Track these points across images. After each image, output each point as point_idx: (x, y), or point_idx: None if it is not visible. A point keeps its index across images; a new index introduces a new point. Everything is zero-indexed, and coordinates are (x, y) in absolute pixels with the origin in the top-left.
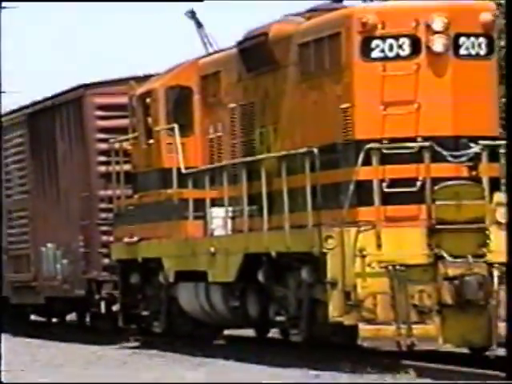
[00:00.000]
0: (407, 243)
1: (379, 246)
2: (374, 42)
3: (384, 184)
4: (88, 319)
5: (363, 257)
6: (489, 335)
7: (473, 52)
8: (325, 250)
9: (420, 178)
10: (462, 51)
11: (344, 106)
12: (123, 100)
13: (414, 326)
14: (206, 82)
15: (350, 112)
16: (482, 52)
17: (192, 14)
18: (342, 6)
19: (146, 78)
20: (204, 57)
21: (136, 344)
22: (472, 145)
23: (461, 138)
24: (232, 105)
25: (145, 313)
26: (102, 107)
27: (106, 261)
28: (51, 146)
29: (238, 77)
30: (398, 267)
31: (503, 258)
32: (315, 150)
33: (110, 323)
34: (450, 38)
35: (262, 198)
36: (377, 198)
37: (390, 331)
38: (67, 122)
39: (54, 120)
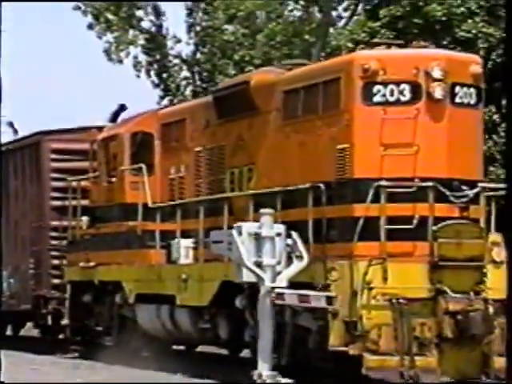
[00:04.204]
0: (410, 278)
1: (385, 279)
2: (376, 87)
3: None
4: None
5: (370, 289)
6: (481, 368)
7: (465, 101)
8: (328, 282)
9: (416, 217)
10: (457, 99)
11: (341, 146)
12: (74, 146)
13: (416, 358)
14: (168, 129)
15: (348, 152)
16: (472, 101)
17: (10, 124)
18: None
19: (98, 128)
20: (164, 108)
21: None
22: (463, 187)
23: (454, 180)
24: (198, 148)
25: (98, 328)
26: (56, 151)
27: (56, 281)
28: (3, 184)
29: (205, 123)
30: (401, 300)
31: (499, 295)
32: (322, 186)
33: (49, 336)
34: (448, 86)
35: None
36: (383, 234)
37: (393, 362)
38: (22, 163)
39: (8, 162)
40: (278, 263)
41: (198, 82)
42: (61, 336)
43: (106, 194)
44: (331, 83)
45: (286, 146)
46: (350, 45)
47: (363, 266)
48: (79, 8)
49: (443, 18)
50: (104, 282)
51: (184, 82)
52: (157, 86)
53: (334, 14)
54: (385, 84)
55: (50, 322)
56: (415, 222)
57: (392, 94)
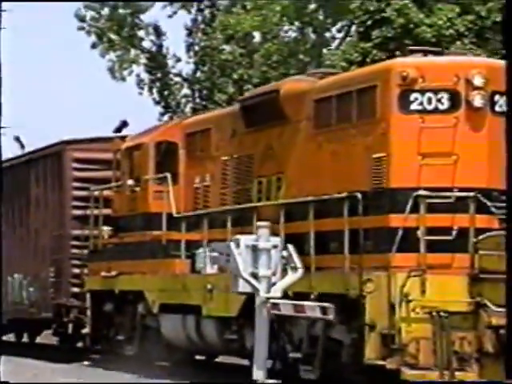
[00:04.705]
0: (450, 290)
1: (423, 291)
2: (413, 95)
3: (419, 232)
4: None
5: (408, 302)
6: None
7: (505, 110)
8: (364, 293)
9: (455, 228)
10: (497, 108)
11: (377, 155)
12: (97, 155)
13: (456, 373)
14: (193, 139)
15: (385, 161)
16: None
17: (17, 139)
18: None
19: (121, 138)
20: (188, 117)
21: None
22: (504, 198)
23: (494, 190)
24: (224, 157)
25: (119, 337)
26: (78, 160)
27: (76, 289)
28: (24, 193)
29: (232, 132)
30: (441, 313)
31: None
32: (359, 195)
33: (67, 345)
34: (488, 95)
35: None
36: (422, 246)
37: (433, 377)
38: (44, 172)
39: (29, 171)
40: (274, 274)
41: (198, 100)
42: (79, 344)
43: (129, 203)
44: (367, 91)
45: (318, 155)
46: (344, 64)
47: (402, 278)
48: (83, 28)
49: (433, 40)
50: (125, 291)
51: (184, 100)
52: (157, 102)
53: (327, 35)
54: (423, 92)
55: (70, 330)
56: (454, 233)
57: (430, 102)
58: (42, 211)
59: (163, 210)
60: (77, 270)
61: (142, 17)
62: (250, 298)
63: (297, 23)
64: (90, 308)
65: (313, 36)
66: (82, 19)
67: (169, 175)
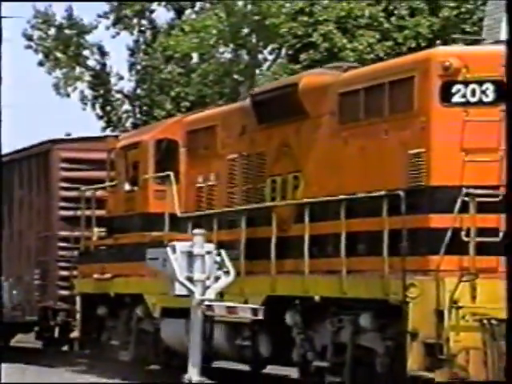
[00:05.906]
0: (500, 296)
1: (474, 297)
2: (456, 87)
3: (463, 233)
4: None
5: (458, 308)
6: None
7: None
8: (407, 299)
9: (502, 229)
10: None
11: (414, 151)
12: (86, 155)
13: None
14: (195, 136)
15: (424, 157)
16: None
17: None
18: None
19: (114, 137)
20: (189, 115)
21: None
22: None
23: None
24: (232, 156)
25: (113, 342)
26: (66, 160)
27: (63, 292)
28: (7, 194)
29: (240, 130)
30: (492, 321)
31: None
32: (401, 193)
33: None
34: None
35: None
36: (472, 248)
37: None
38: (28, 172)
39: (13, 171)
40: (208, 278)
41: (138, 115)
42: (65, 348)
43: (126, 203)
44: (402, 83)
45: (343, 151)
46: None
47: (451, 283)
48: (30, 47)
49: (355, 64)
50: (121, 294)
51: (125, 115)
52: (100, 117)
53: (260, 56)
54: (466, 83)
55: (57, 334)
56: (501, 234)
57: (474, 94)
58: (26, 212)
59: (165, 210)
60: (65, 273)
61: (87, 37)
62: (267, 302)
63: (231, 45)
64: (80, 311)
65: (246, 57)
66: (29, 38)
67: (172, 173)
